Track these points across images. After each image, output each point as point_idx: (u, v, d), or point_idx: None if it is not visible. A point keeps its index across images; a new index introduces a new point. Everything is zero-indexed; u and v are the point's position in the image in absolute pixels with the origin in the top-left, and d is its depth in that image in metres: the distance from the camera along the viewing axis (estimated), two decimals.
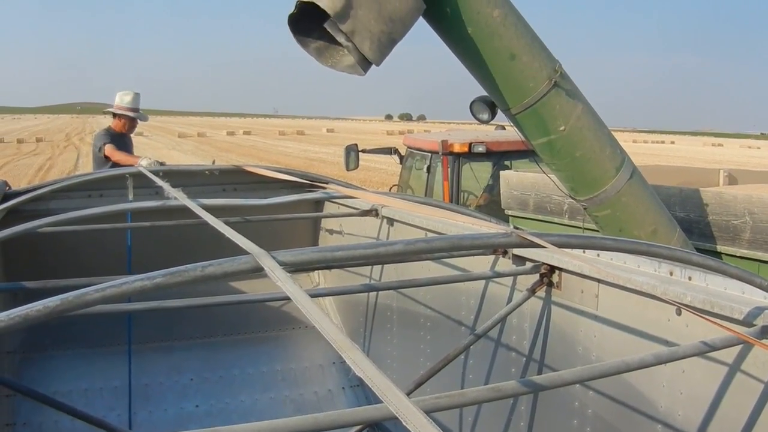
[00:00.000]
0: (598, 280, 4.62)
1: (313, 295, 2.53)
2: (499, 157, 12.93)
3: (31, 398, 5.08)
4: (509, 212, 11.40)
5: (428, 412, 1.98)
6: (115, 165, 11.23)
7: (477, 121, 9.26)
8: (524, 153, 11.56)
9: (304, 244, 8.04)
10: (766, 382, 3.58)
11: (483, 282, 5.77)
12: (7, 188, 8.07)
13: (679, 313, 3.99)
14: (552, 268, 4.98)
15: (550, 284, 5.03)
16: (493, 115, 8.78)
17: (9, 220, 6.40)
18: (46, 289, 4.46)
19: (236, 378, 7.58)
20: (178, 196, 5.63)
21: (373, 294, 7.34)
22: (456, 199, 12.48)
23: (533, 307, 5.21)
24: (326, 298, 8.06)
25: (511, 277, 5.37)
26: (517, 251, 5.21)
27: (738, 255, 7.98)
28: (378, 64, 5.46)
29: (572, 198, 7.23)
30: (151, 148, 70.96)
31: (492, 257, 5.53)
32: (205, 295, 5.42)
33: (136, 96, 12.26)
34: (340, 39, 5.26)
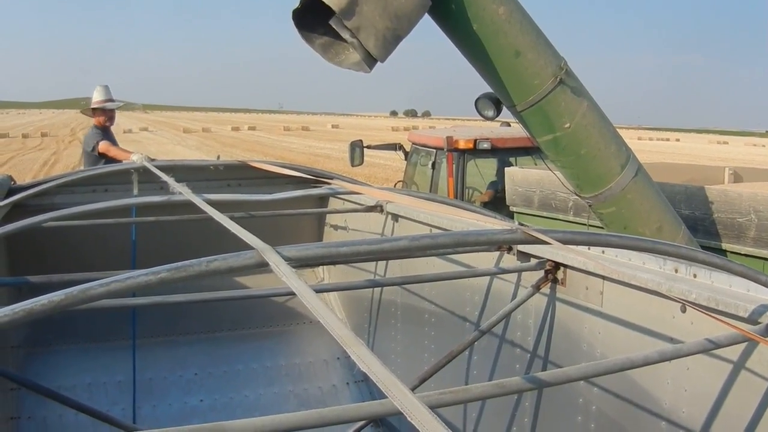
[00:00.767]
0: (603, 277, 4.61)
1: (318, 291, 2.53)
2: (504, 153, 12.92)
3: (36, 392, 5.09)
4: (514, 209, 11.41)
5: (432, 407, 1.98)
6: (110, 161, 11.35)
7: (482, 118, 9.26)
8: (529, 150, 11.57)
9: (308, 240, 8.04)
10: None
11: (488, 278, 5.77)
12: (12, 183, 8.09)
13: (683, 311, 3.99)
14: (557, 265, 4.98)
15: (555, 281, 5.03)
16: (498, 111, 8.78)
17: (14, 215, 6.41)
18: (50, 284, 4.46)
19: (240, 373, 7.59)
20: (182, 191, 5.63)
21: (377, 289, 7.34)
22: (461, 195, 12.47)
23: (538, 303, 5.21)
24: (331, 293, 8.07)
25: (516, 274, 5.37)
26: (522, 248, 5.21)
27: (743, 253, 7.98)
28: (383, 61, 5.46)
29: (577, 195, 7.23)
30: (156, 143, 71.03)
31: (497, 253, 5.53)
32: (209, 290, 5.43)
33: (104, 89, 12.83)
34: (345, 35, 5.26)
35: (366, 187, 6.92)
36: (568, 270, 4.93)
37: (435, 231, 6.19)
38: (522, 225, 3.47)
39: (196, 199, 5.12)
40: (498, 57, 6.20)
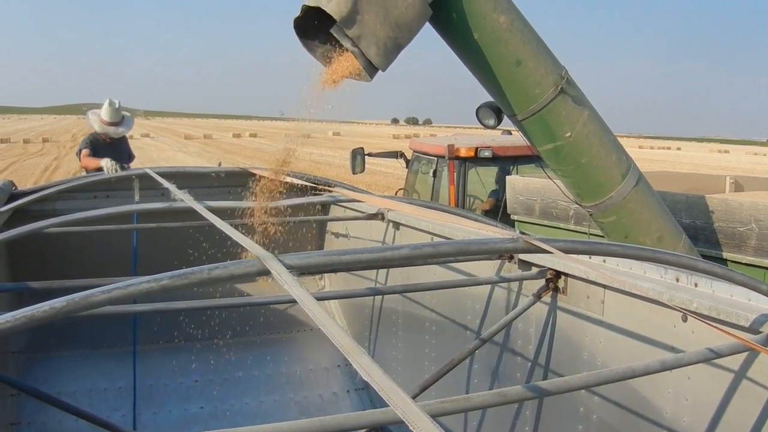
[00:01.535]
0: (604, 286, 4.62)
1: (319, 299, 2.53)
2: (505, 162, 12.91)
3: (36, 398, 5.09)
4: (515, 217, 11.40)
5: (434, 416, 1.98)
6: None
7: (483, 127, 9.26)
8: (530, 158, 11.55)
9: (309, 248, 8.05)
10: None
11: (488, 287, 5.77)
12: (14, 188, 8.10)
13: (685, 320, 4.00)
14: (558, 274, 4.99)
15: (556, 289, 5.03)
16: (499, 120, 8.78)
17: (15, 220, 6.43)
18: (51, 290, 4.47)
19: (241, 380, 7.59)
20: (184, 198, 5.65)
21: (378, 297, 7.34)
22: (462, 203, 12.47)
23: (539, 312, 5.21)
24: (332, 301, 8.07)
25: (517, 282, 5.38)
26: (523, 256, 5.22)
27: (744, 262, 7.97)
28: (384, 70, 5.46)
29: (578, 204, 7.23)
30: (157, 150, 71.02)
31: (498, 262, 5.54)
32: (210, 297, 5.44)
33: (113, 110, 11.84)
34: (347, 44, 5.27)
35: (367, 194, 6.93)
36: (569, 279, 4.94)
37: (436, 239, 6.20)
38: (523, 234, 3.47)
39: (198, 206, 5.12)
40: (499, 66, 6.20)
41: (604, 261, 4.69)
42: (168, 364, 7.52)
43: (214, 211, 5.06)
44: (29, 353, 7.43)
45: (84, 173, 11.29)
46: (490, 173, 13.22)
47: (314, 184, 7.69)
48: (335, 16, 5.18)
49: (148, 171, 7.52)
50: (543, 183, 10.26)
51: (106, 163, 9.53)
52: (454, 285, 5.67)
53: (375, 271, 7.13)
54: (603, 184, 6.73)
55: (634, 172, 6.83)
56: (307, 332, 7.92)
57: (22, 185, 9.40)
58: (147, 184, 7.69)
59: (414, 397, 3.10)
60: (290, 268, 2.70)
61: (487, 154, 12.51)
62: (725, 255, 8.27)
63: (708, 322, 3.54)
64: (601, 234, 7.41)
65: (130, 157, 12.42)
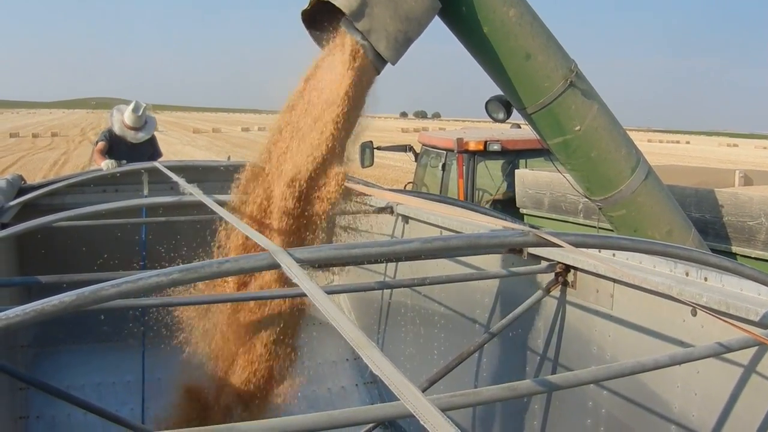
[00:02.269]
0: (614, 280, 4.61)
1: (328, 293, 2.53)
2: (514, 155, 12.89)
3: (45, 392, 5.09)
4: (524, 211, 11.39)
5: (443, 410, 1.97)
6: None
7: (492, 120, 9.25)
8: (539, 152, 11.53)
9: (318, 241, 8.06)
10: None
11: (497, 281, 5.77)
12: (23, 182, 8.12)
13: (694, 314, 3.99)
14: (567, 268, 4.98)
15: (566, 283, 5.02)
16: (509, 114, 8.78)
17: (24, 214, 6.43)
18: (61, 284, 4.47)
19: None
20: (193, 192, 5.64)
21: (387, 291, 7.34)
22: (471, 197, 12.46)
23: (548, 306, 5.21)
24: (340, 295, 8.06)
25: (526, 276, 5.37)
26: (532, 250, 5.21)
27: (753, 256, 7.95)
28: (394, 63, 5.45)
29: (587, 198, 7.22)
30: (166, 144, 70.89)
31: (506, 256, 5.53)
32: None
33: (135, 116, 11.23)
34: (356, 38, 5.25)
35: (376, 188, 6.91)
36: (578, 273, 4.93)
37: (445, 233, 6.19)
38: (533, 227, 3.47)
39: (207, 200, 5.12)
40: (508, 59, 6.18)
41: (614, 255, 4.68)
42: (177, 358, 7.53)
43: (224, 204, 5.05)
44: (38, 347, 7.45)
45: (93, 167, 11.23)
46: (499, 167, 13.20)
47: None
48: (345, 10, 5.16)
49: (157, 165, 7.53)
50: (552, 177, 10.25)
51: (105, 164, 9.52)
52: (463, 279, 5.67)
53: (384, 265, 7.13)
54: (612, 177, 6.72)
55: (644, 166, 6.82)
56: (316, 326, 7.91)
57: (31, 179, 9.43)
58: (156, 178, 7.69)
59: (423, 391, 3.11)
60: (300, 261, 2.70)
61: (496, 147, 12.50)
62: (735, 249, 8.25)
63: (718, 315, 3.53)
64: (611, 228, 7.40)
65: (152, 157, 11.37)
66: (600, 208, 7.13)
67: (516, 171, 11.95)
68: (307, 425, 2.41)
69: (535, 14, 6.22)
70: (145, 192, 7.72)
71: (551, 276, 5.08)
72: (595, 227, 9.17)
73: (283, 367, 5.59)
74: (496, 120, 9.09)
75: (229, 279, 5.34)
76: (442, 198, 9.25)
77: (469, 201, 11.77)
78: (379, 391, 7.62)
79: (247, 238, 5.12)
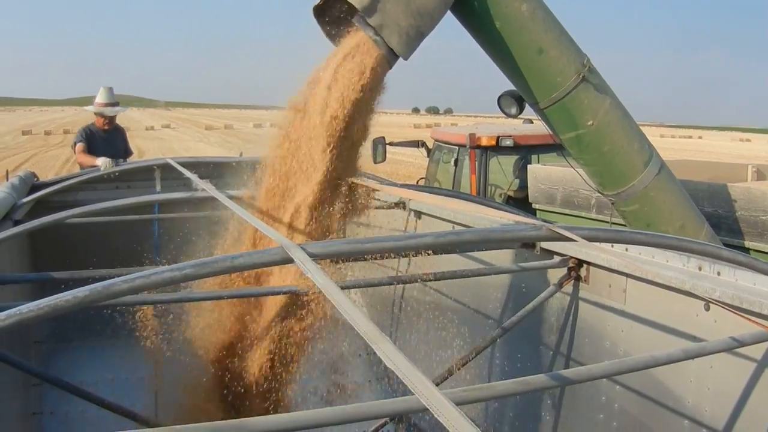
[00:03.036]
0: (627, 275, 4.61)
1: (341, 287, 2.52)
2: (527, 150, 12.89)
3: (58, 387, 5.11)
4: (536, 206, 11.39)
5: (456, 404, 1.98)
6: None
7: (505, 115, 9.24)
8: (552, 147, 11.53)
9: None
10: None
11: (510, 275, 5.77)
12: (35, 180, 8.14)
13: (707, 309, 3.98)
14: (580, 263, 4.98)
15: (578, 278, 5.02)
16: (521, 109, 8.76)
17: (37, 211, 6.45)
18: (74, 280, 4.47)
19: None
20: (206, 188, 5.65)
21: (399, 287, 7.34)
22: (483, 192, 12.46)
23: (561, 301, 5.21)
24: (352, 290, 8.07)
25: (539, 271, 5.37)
26: (545, 245, 5.21)
27: (766, 251, 7.94)
28: (406, 58, 5.44)
29: (600, 193, 7.21)
30: (178, 140, 71.15)
31: (519, 251, 5.53)
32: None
33: (107, 91, 12.26)
34: (368, 33, 5.25)
35: (389, 184, 6.92)
36: (591, 267, 4.93)
37: (458, 228, 6.20)
38: (546, 222, 3.46)
39: (220, 196, 5.12)
40: (520, 54, 6.18)
41: (626, 250, 4.67)
42: (190, 354, 7.55)
43: (237, 200, 5.06)
44: (51, 343, 7.47)
45: (79, 169, 11.35)
46: (511, 162, 13.20)
47: None
48: (357, 6, 5.16)
49: (170, 161, 7.54)
50: (564, 172, 10.24)
51: (103, 162, 9.55)
52: (476, 274, 5.66)
53: (396, 260, 7.13)
54: (625, 172, 6.71)
55: (656, 161, 6.81)
56: (328, 321, 7.93)
57: (44, 177, 9.46)
58: (168, 174, 7.71)
59: (436, 386, 3.11)
60: (313, 256, 2.70)
61: (508, 143, 12.50)
62: (747, 244, 8.23)
63: (732, 309, 3.52)
64: (623, 223, 7.39)
65: (126, 152, 12.57)
66: (613, 203, 7.13)
67: (528, 166, 11.95)
68: (319, 420, 2.40)
69: (548, 9, 6.21)
70: (158, 188, 7.73)
71: (564, 271, 5.07)
72: (608, 222, 9.16)
73: (295, 363, 5.59)
74: (508, 115, 9.08)
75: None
76: (455, 193, 9.25)
77: (482, 196, 11.77)
78: (391, 386, 7.62)
79: (259, 233, 5.14)
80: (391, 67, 5.38)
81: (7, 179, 7.74)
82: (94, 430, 6.57)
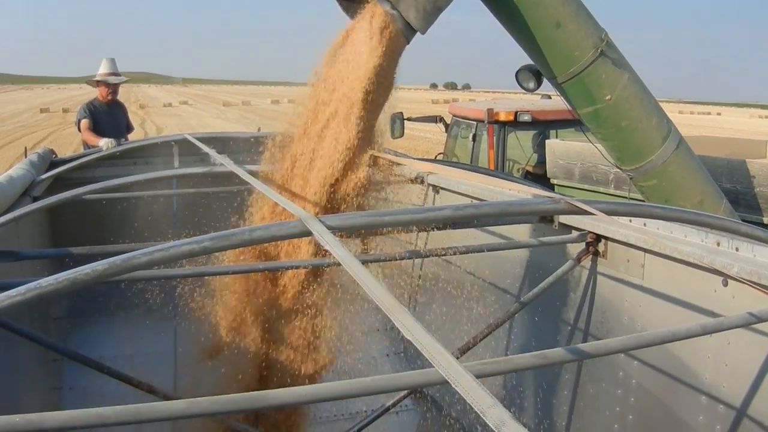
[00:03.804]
0: (645, 250, 4.60)
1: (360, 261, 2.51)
2: (545, 126, 12.87)
3: (78, 362, 5.13)
4: (555, 181, 11.38)
5: (475, 377, 1.97)
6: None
7: (522, 90, 9.22)
8: (570, 122, 11.50)
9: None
10: None
11: (528, 250, 5.76)
12: (54, 156, 8.17)
13: (725, 284, 3.97)
14: (598, 237, 4.97)
15: (596, 253, 5.01)
16: (539, 83, 8.74)
17: (56, 187, 6.48)
18: (92, 255, 4.48)
19: None
20: (224, 162, 5.65)
21: (418, 261, 7.34)
22: (501, 167, 12.46)
23: (579, 276, 5.20)
24: (371, 264, 8.08)
25: (557, 246, 5.36)
26: (563, 219, 5.20)
27: None
28: (423, 33, 5.43)
29: (618, 168, 7.20)
30: (196, 117, 71.21)
31: (537, 225, 5.52)
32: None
33: (110, 62, 12.61)
34: (386, 7, 5.23)
35: (407, 158, 6.91)
36: (609, 243, 4.92)
37: (476, 202, 6.19)
38: (564, 196, 3.46)
39: (239, 170, 5.12)
40: (538, 28, 6.16)
41: (645, 225, 4.66)
42: (208, 328, 7.57)
43: (254, 175, 5.06)
44: (70, 318, 7.51)
45: (83, 148, 11.44)
46: (529, 137, 13.18)
47: None
48: None
49: (187, 137, 7.55)
50: (583, 147, 10.22)
51: (104, 143, 9.58)
52: (494, 248, 5.66)
53: (414, 234, 7.12)
54: (643, 147, 6.69)
55: (675, 136, 6.79)
56: (346, 295, 7.94)
57: (62, 154, 9.49)
58: (186, 150, 7.72)
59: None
60: (332, 228, 2.69)
61: (526, 118, 12.48)
62: (766, 220, 8.22)
63: (750, 284, 3.52)
64: (642, 198, 7.38)
65: (128, 128, 12.92)
66: (631, 178, 7.11)
67: (546, 141, 11.94)
68: (338, 392, 2.40)
69: None
70: (176, 164, 7.74)
71: (582, 246, 5.06)
72: (626, 197, 9.15)
73: (314, 337, 5.61)
74: (526, 90, 9.05)
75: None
76: (474, 168, 9.24)
77: (500, 171, 11.76)
78: (408, 360, 7.64)
79: (278, 207, 5.15)
80: (408, 42, 5.36)
81: (26, 156, 7.77)
82: (113, 404, 6.62)
